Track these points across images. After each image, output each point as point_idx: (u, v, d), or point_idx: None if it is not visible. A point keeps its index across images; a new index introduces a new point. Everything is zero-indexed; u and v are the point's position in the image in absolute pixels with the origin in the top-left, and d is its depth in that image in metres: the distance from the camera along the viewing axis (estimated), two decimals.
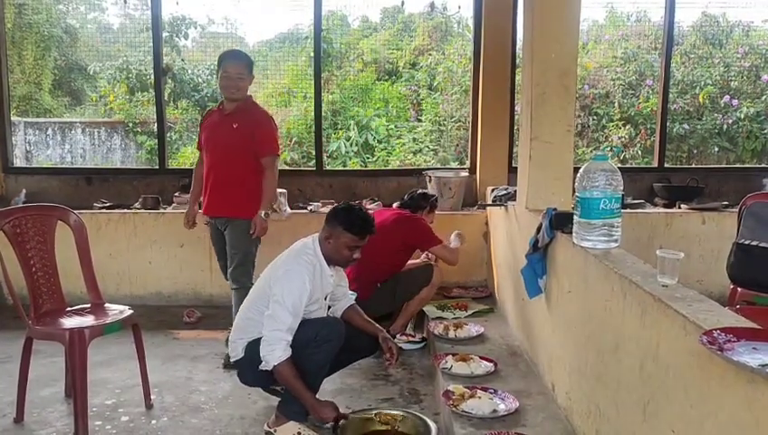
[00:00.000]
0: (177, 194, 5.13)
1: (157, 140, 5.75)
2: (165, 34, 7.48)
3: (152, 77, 5.91)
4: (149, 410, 3.34)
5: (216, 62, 3.97)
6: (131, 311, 3.35)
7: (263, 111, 4.10)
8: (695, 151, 8.01)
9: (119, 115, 8.94)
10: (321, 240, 3.08)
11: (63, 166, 8.45)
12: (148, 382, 3.42)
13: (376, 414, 3.01)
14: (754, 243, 3.33)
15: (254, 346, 2.93)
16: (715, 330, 1.56)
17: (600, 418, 2.37)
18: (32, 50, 9.66)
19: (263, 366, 2.86)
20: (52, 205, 3.60)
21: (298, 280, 2.92)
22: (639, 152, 7.80)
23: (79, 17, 10.62)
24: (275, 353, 2.81)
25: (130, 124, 8.83)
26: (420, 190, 4.42)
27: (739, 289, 3.39)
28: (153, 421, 3.22)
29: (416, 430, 2.94)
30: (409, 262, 4.38)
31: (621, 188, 2.51)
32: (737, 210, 3.61)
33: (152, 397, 3.42)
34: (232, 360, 3.16)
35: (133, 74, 8.90)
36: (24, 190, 5.26)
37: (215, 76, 8.89)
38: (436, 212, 5.02)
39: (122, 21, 9.96)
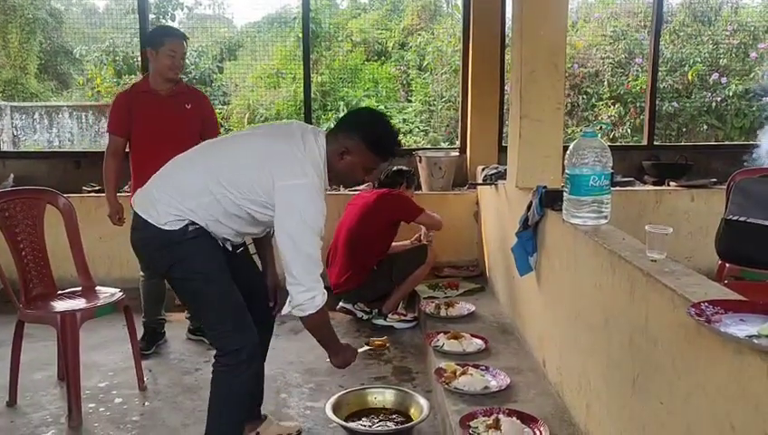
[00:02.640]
0: None
1: None
2: (151, 16, 7.39)
3: (139, 60, 5.85)
4: (143, 392, 3.35)
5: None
6: (122, 294, 3.35)
7: (201, 91, 4.05)
8: (683, 129, 8.05)
9: (106, 98, 8.87)
10: (332, 152, 2.41)
11: (51, 150, 8.39)
12: (141, 365, 3.42)
13: (367, 342, 2.93)
14: (742, 219, 3.35)
15: (201, 239, 2.35)
16: (703, 302, 1.57)
17: (590, 392, 2.40)
18: (16, 33, 9.56)
19: (289, 309, 2.36)
20: (41, 188, 3.58)
21: (319, 199, 2.31)
22: (629, 131, 7.83)
23: (63, 0, 10.50)
24: (316, 300, 2.31)
25: None
26: (395, 167, 4.39)
27: (727, 265, 3.42)
28: (147, 403, 3.23)
29: (408, 408, 2.97)
30: (402, 243, 4.40)
31: (611, 164, 2.52)
32: (726, 187, 3.63)
33: (145, 379, 3.43)
34: (147, 219, 2.36)
35: (120, 57, 8.82)
36: (11, 175, 5.22)
37: (201, 58, 8.78)
38: (429, 192, 5.05)
39: (108, 3, 9.89)
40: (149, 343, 3.81)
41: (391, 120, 2.62)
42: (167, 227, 2.31)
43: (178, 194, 2.34)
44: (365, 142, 2.39)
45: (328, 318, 2.46)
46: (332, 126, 2.55)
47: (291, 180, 2.27)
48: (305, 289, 2.29)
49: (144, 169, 3.49)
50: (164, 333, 3.95)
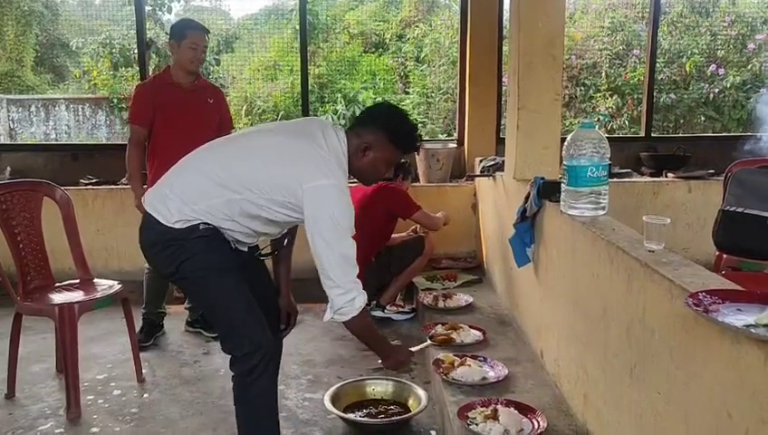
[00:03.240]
0: None
1: None
2: (148, 8, 7.37)
3: (136, 52, 5.84)
4: (141, 384, 3.35)
5: None
6: (120, 286, 3.34)
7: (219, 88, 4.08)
8: (681, 121, 8.06)
9: (103, 91, 8.86)
10: (353, 149, 2.34)
11: (48, 142, 8.38)
12: (140, 357, 3.43)
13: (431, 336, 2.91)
14: (740, 210, 3.36)
15: (212, 238, 2.25)
16: (701, 292, 1.58)
17: (587, 383, 2.41)
18: (12, 26, 9.53)
19: (330, 315, 2.26)
20: (38, 181, 3.57)
21: (347, 198, 2.24)
22: (626, 122, 7.83)
23: None
24: (357, 302, 2.23)
25: (115, 100, 8.74)
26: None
27: (724, 255, 3.43)
28: (145, 395, 3.24)
29: (406, 399, 2.98)
30: (400, 235, 4.40)
31: (608, 155, 2.52)
32: (723, 178, 3.64)
33: (144, 371, 3.43)
34: (158, 219, 2.25)
35: (116, 49, 8.80)
36: (8, 168, 5.21)
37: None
38: (427, 184, 5.04)
39: None
40: (148, 335, 3.82)
41: (410, 115, 2.54)
42: (177, 226, 2.22)
43: (191, 194, 2.24)
44: (387, 136, 2.34)
45: (371, 320, 2.42)
46: (351, 123, 2.49)
47: (318, 181, 2.18)
48: (343, 291, 2.20)
49: (164, 161, 3.50)
50: (162, 325, 3.96)
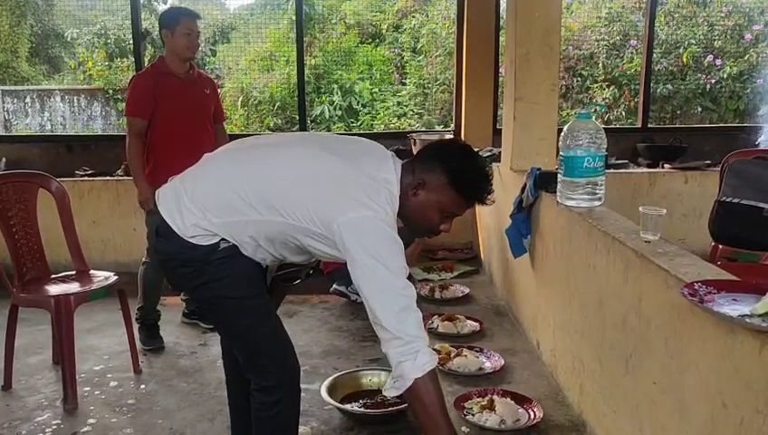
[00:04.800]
0: None
1: None
2: None
3: (131, 42, 5.80)
4: (138, 375, 3.35)
5: None
6: (117, 277, 3.34)
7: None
8: (678, 112, 8.05)
9: (98, 82, 8.82)
10: (405, 186, 1.93)
11: (43, 134, 8.35)
12: (136, 348, 3.43)
13: None
14: (736, 200, 3.36)
15: (235, 259, 1.94)
16: (696, 282, 1.58)
17: (584, 373, 2.42)
18: (7, 17, 9.48)
19: (390, 389, 1.83)
20: (34, 172, 3.55)
21: (393, 233, 1.84)
22: (623, 113, 7.83)
23: None
24: (420, 358, 1.76)
25: (110, 91, 8.71)
26: (396, 147, 4.33)
27: (720, 246, 3.43)
28: (142, 386, 3.24)
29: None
30: None
31: (605, 146, 2.52)
32: (719, 169, 3.64)
33: (140, 362, 3.43)
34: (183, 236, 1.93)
35: (111, 40, 8.76)
36: (3, 159, 5.19)
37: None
38: None
39: None
40: (150, 337, 3.69)
41: (485, 163, 2.07)
42: (194, 241, 1.92)
43: (211, 206, 1.93)
44: (449, 178, 1.92)
45: (441, 392, 1.82)
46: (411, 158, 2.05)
47: (358, 213, 1.81)
48: (404, 342, 1.76)
49: (165, 154, 3.54)
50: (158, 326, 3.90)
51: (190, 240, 1.92)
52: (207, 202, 1.93)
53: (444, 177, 1.92)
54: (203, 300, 2.08)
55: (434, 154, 1.98)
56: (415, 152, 5.13)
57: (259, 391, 2.06)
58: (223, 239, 1.93)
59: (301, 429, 2.68)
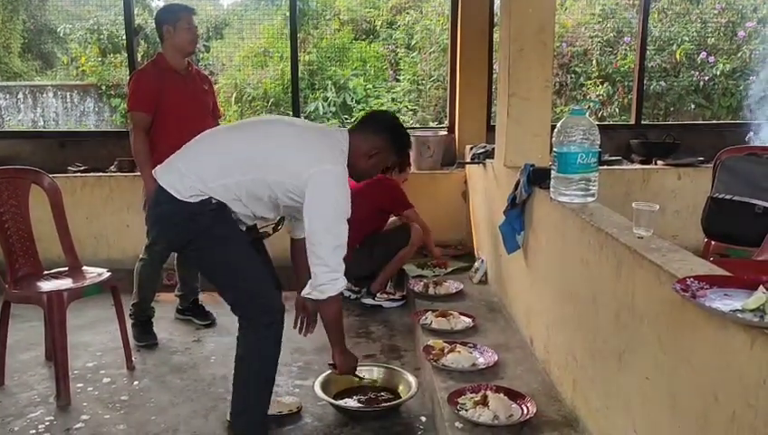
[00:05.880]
0: None
1: None
2: None
3: (124, 38, 5.78)
4: (131, 371, 3.35)
5: None
6: (110, 274, 3.33)
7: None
8: (671, 108, 8.08)
9: (91, 78, 8.78)
10: (357, 149, 2.54)
11: (36, 130, 8.31)
12: (129, 344, 3.42)
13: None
14: (728, 197, 3.39)
15: (224, 212, 2.43)
16: (689, 278, 1.59)
17: (577, 368, 2.42)
18: None
19: (309, 291, 2.45)
20: (26, 168, 3.54)
21: (346, 186, 2.44)
22: (617, 110, 7.85)
23: None
24: (338, 283, 2.42)
25: (103, 87, 8.67)
26: None
27: (713, 242, 3.45)
28: (135, 382, 3.24)
29: (396, 385, 2.98)
30: (391, 219, 4.39)
31: (598, 142, 2.52)
32: (712, 165, 3.65)
33: (134, 358, 3.43)
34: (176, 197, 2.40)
35: (105, 36, 8.72)
36: None
37: None
38: (418, 172, 5.03)
39: None
40: (144, 334, 3.71)
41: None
42: (190, 200, 2.38)
43: (207, 172, 2.40)
44: (393, 145, 2.61)
45: (342, 309, 2.60)
46: (353, 125, 2.69)
47: (324, 166, 2.38)
48: (330, 269, 2.38)
49: (170, 148, 3.47)
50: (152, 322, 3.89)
51: (188, 200, 2.38)
52: (203, 168, 2.40)
53: (391, 144, 2.60)
54: (199, 248, 2.46)
55: (380, 125, 2.63)
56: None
57: (252, 324, 2.46)
58: (212, 198, 2.39)
59: (289, 399, 2.91)
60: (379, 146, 2.58)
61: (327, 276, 2.39)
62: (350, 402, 2.90)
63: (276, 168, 2.40)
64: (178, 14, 3.63)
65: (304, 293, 2.51)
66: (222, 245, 2.46)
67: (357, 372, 2.94)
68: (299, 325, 2.83)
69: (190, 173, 2.40)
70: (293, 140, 2.48)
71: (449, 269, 4.42)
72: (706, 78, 7.88)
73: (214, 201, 2.40)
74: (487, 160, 4.25)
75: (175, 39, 3.62)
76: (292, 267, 2.89)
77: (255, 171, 2.40)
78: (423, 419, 2.83)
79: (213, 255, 2.48)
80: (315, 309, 2.70)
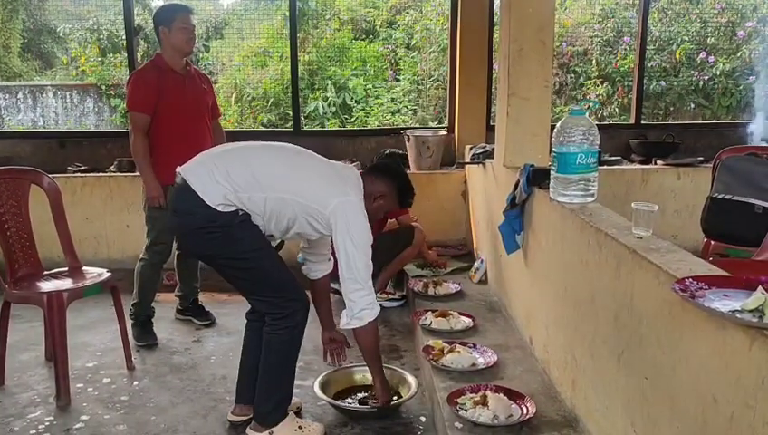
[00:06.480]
0: None
1: None
2: None
3: (124, 38, 5.78)
4: (131, 371, 3.35)
5: None
6: (110, 274, 3.33)
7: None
8: (671, 108, 8.07)
9: (91, 78, 8.77)
10: (368, 192, 2.66)
11: (36, 130, 8.30)
12: (129, 345, 3.42)
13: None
14: (728, 196, 3.39)
15: (251, 222, 2.51)
16: (688, 278, 1.59)
17: (576, 369, 2.42)
18: None
19: (347, 324, 2.56)
20: (25, 168, 3.54)
21: (365, 213, 2.57)
22: (617, 110, 7.84)
23: None
24: (375, 307, 2.56)
25: (103, 87, 8.66)
26: (387, 150, 4.34)
27: (712, 242, 3.45)
28: (135, 383, 3.24)
29: (396, 386, 2.98)
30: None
31: (598, 142, 2.53)
32: (712, 165, 3.65)
33: (133, 359, 3.43)
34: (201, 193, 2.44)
35: (104, 36, 8.72)
36: None
37: None
38: (417, 172, 5.03)
39: None
40: (144, 334, 3.70)
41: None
42: (219, 209, 2.42)
43: (241, 183, 2.45)
44: (398, 193, 2.77)
45: (379, 337, 2.74)
46: (367, 168, 2.88)
47: (347, 197, 2.52)
48: (366, 292, 2.52)
49: (169, 149, 3.55)
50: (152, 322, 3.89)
51: (216, 207, 2.42)
52: (238, 179, 2.45)
53: (395, 191, 2.76)
54: (229, 258, 2.54)
55: (388, 172, 2.80)
56: (408, 149, 5.14)
57: (282, 318, 2.56)
58: (240, 209, 2.46)
59: (294, 398, 2.88)
60: (384, 191, 2.72)
61: (364, 300, 2.51)
62: (350, 402, 2.91)
63: (305, 192, 2.50)
64: (173, 14, 3.64)
65: (342, 325, 2.60)
66: (258, 254, 2.54)
67: (360, 375, 2.98)
68: (331, 358, 3.03)
69: (226, 183, 2.44)
70: (322, 171, 2.61)
71: (449, 269, 4.43)
72: (706, 78, 7.87)
73: (241, 212, 2.47)
74: (487, 160, 4.25)
75: (171, 39, 3.63)
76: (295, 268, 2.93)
77: (285, 191, 2.49)
78: (423, 419, 2.83)
79: (249, 264, 2.54)
80: (343, 339, 2.98)
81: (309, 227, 2.56)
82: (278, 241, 2.83)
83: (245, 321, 2.81)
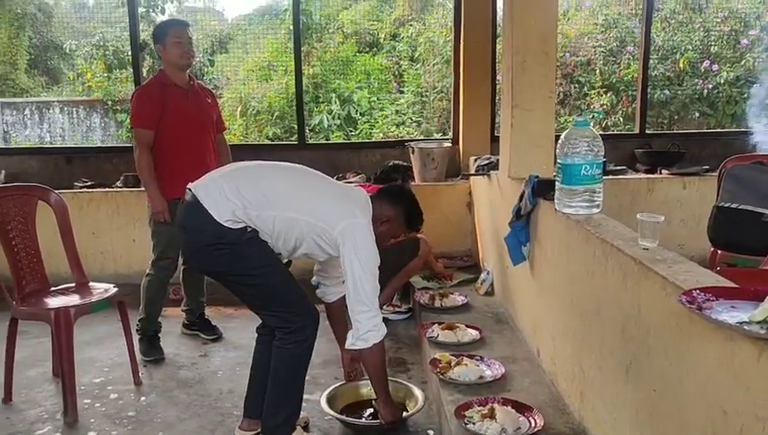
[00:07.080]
0: None
1: None
2: (141, 10, 7.34)
3: (130, 54, 5.81)
4: (138, 386, 3.35)
5: None
6: (116, 289, 3.34)
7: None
8: (675, 117, 8.07)
9: (97, 93, 8.82)
10: (375, 217, 2.64)
11: (43, 146, 8.35)
12: (136, 360, 3.43)
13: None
14: (734, 206, 3.37)
15: (259, 238, 2.52)
16: (695, 290, 1.58)
17: (584, 381, 2.41)
18: (5, 29, 9.50)
19: (352, 345, 2.54)
20: (33, 184, 3.57)
21: (373, 235, 2.57)
22: (621, 119, 7.83)
23: None
24: (382, 329, 2.55)
25: (109, 102, 8.71)
26: (392, 162, 4.35)
27: (719, 251, 3.44)
28: (142, 398, 3.24)
29: (403, 399, 2.97)
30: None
31: (602, 153, 2.53)
32: (717, 174, 3.64)
33: (140, 374, 3.43)
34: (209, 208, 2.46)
35: (110, 51, 8.76)
36: (2, 171, 5.19)
37: None
38: (422, 184, 5.03)
39: None
40: (151, 348, 3.71)
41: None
42: (227, 225, 2.45)
43: (251, 201, 2.48)
44: (406, 218, 2.76)
45: (385, 358, 2.70)
46: (375, 192, 2.84)
47: (356, 219, 2.52)
48: (374, 314, 2.52)
49: (174, 164, 3.58)
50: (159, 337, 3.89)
51: (225, 223, 2.44)
52: (249, 197, 2.48)
53: (402, 215, 2.75)
54: (237, 275, 2.55)
55: (395, 196, 2.78)
56: (412, 160, 5.14)
57: (291, 332, 2.56)
58: (249, 226, 2.48)
59: (302, 413, 2.88)
60: (391, 215, 2.71)
61: (371, 322, 2.50)
62: (356, 417, 2.90)
63: (314, 212, 2.51)
64: (166, 30, 3.68)
65: (348, 345, 2.58)
66: (266, 271, 2.55)
67: (367, 389, 2.95)
68: (351, 376, 3.07)
69: (237, 200, 2.46)
70: (332, 192, 2.65)
71: (455, 281, 4.42)
72: (710, 86, 7.87)
73: (249, 229, 2.49)
74: (492, 172, 4.25)
75: (167, 56, 3.68)
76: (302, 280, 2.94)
77: (295, 211, 2.51)
78: (430, 432, 2.82)
79: (258, 280, 2.56)
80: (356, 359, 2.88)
81: (316, 248, 2.58)
82: (285, 260, 2.82)
83: (255, 335, 2.81)
